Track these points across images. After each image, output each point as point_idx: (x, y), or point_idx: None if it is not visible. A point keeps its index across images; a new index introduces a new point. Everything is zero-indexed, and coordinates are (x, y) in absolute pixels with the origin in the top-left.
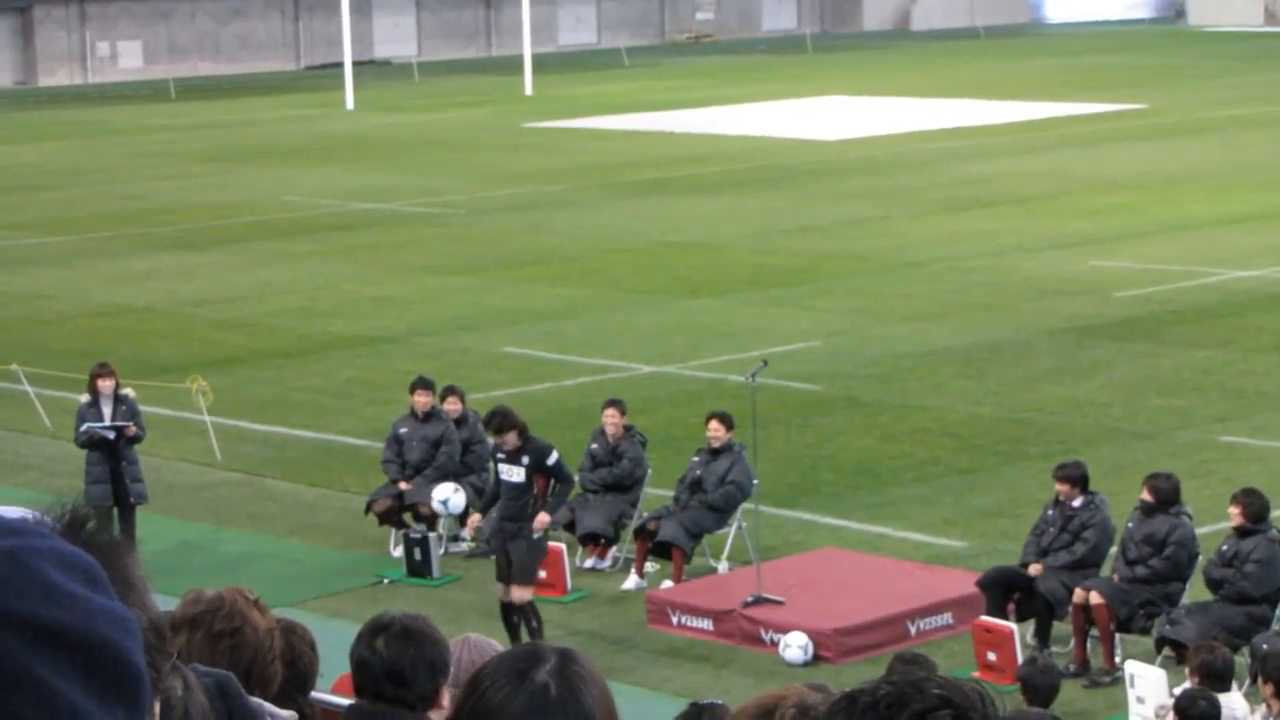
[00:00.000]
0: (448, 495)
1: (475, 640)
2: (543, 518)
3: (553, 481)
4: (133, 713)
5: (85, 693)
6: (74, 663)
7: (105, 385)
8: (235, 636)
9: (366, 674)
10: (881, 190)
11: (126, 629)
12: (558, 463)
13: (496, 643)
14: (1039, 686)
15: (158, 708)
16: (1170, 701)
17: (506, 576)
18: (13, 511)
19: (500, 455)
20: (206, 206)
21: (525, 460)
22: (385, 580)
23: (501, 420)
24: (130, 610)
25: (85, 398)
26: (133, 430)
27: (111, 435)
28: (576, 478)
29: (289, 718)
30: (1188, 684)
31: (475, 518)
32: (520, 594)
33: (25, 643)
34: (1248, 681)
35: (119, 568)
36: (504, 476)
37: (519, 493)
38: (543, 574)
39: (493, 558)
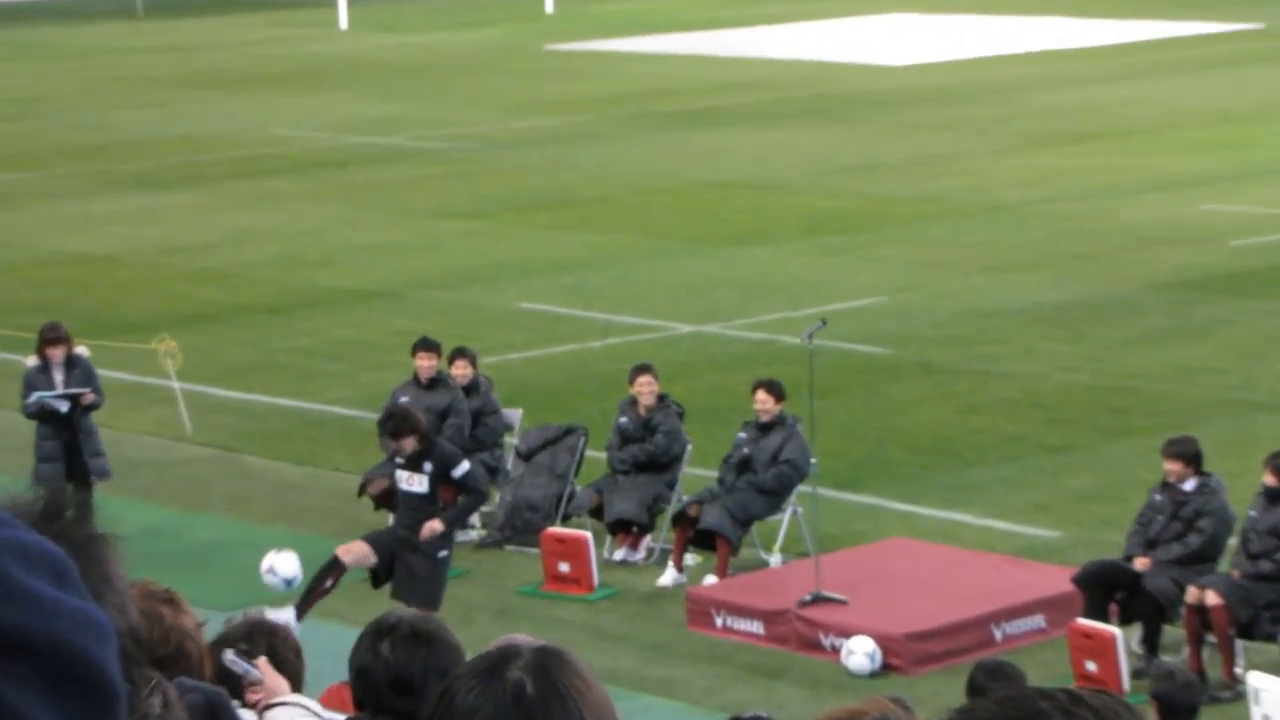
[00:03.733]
0: (297, 572)
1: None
2: (433, 525)
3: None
4: None
5: (49, 709)
6: (37, 674)
7: (55, 354)
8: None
9: (368, 683)
10: (958, 123)
11: (99, 635)
12: (468, 474)
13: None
14: (1179, 706)
15: None
16: None
17: (376, 543)
18: None
19: (400, 461)
20: (178, 140)
21: (428, 467)
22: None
23: (399, 423)
24: (106, 613)
25: (33, 361)
26: (90, 398)
27: (65, 407)
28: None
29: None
30: None
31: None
32: None
33: None
34: None
35: (97, 563)
36: (404, 486)
37: (421, 505)
38: (565, 567)
39: (505, 548)
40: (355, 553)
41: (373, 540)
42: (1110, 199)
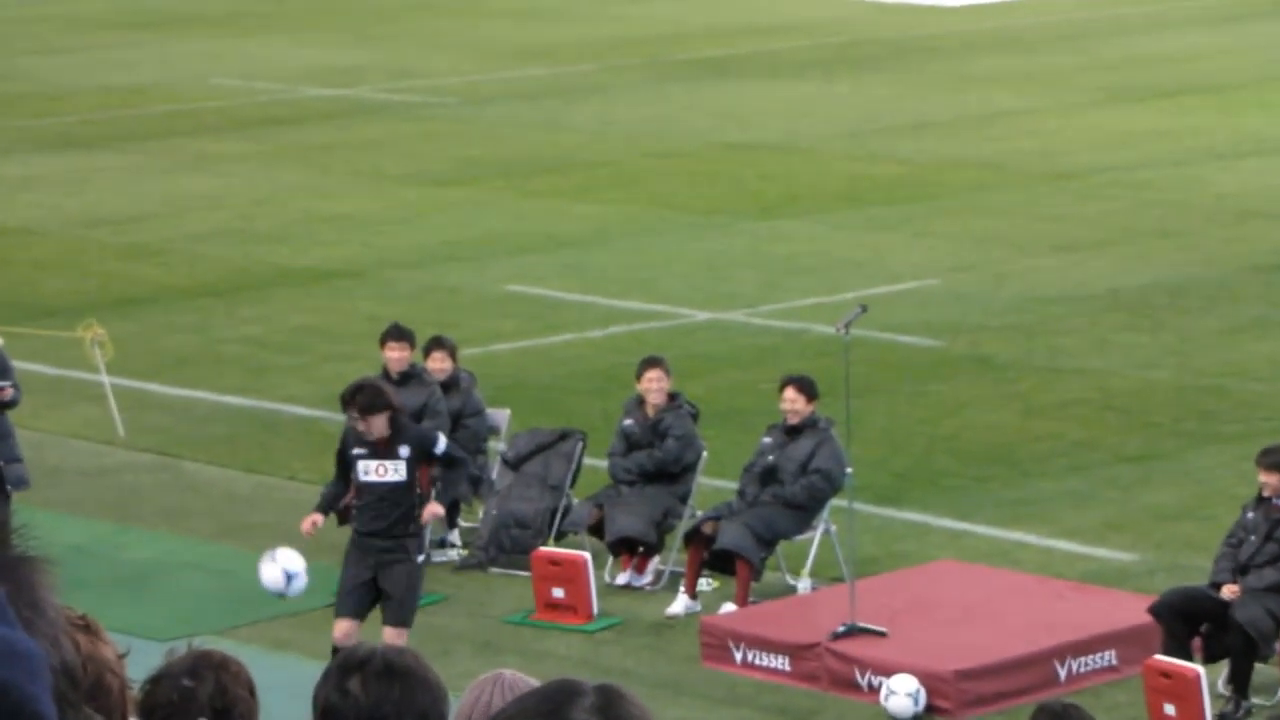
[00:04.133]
0: (280, 583)
1: (511, 679)
2: (433, 508)
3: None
4: None
5: None
6: None
7: None
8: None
9: None
10: (1023, 74)
11: (30, 669)
12: (450, 446)
13: (536, 682)
14: None
15: None
16: None
17: (356, 612)
18: None
19: (361, 451)
20: (106, 91)
21: (404, 451)
22: None
23: (371, 398)
24: (37, 644)
25: None
26: (7, 393)
27: None
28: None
29: None
30: None
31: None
32: (398, 638)
33: None
34: None
35: (25, 588)
36: (372, 478)
37: (398, 496)
38: (559, 593)
39: (490, 570)
40: (343, 634)
41: (349, 610)
42: (1201, 165)
